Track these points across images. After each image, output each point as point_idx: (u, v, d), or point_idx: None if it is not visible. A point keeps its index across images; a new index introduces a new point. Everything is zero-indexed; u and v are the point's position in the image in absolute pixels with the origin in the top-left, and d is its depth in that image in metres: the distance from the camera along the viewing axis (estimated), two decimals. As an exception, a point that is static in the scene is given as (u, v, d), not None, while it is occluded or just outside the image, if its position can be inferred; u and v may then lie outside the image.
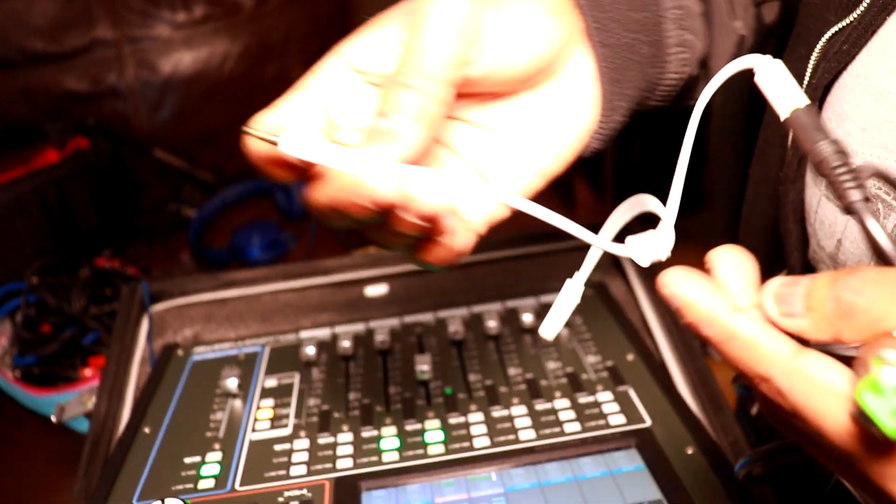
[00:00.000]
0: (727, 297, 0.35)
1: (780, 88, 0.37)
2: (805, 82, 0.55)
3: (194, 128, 1.69)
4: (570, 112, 0.48)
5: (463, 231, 0.43)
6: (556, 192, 1.72)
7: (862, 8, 0.49)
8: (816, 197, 0.55)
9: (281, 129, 0.39)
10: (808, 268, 0.63)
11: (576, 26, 0.48)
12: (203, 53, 1.67)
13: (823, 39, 0.53)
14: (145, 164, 1.62)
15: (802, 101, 0.36)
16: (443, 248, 0.43)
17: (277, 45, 1.74)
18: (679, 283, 0.35)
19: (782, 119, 0.37)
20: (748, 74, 0.39)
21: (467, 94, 0.45)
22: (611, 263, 0.85)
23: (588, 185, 2.43)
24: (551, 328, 0.48)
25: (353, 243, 1.39)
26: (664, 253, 0.43)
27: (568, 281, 0.49)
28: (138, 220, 1.60)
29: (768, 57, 0.38)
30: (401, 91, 0.39)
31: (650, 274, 0.79)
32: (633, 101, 0.52)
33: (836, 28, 0.52)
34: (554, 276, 0.84)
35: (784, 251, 0.63)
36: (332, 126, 0.42)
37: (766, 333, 0.33)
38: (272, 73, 1.74)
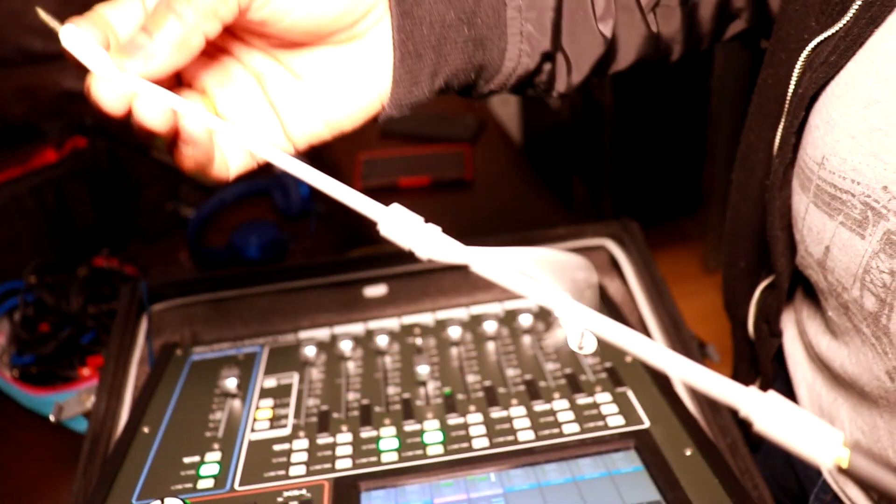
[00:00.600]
0: None
1: (799, 432, 0.29)
2: (790, 91, 0.55)
3: (193, 127, 1.69)
4: (365, 75, 0.50)
5: (202, 147, 0.46)
6: (553, 194, 1.72)
7: (848, 18, 0.49)
8: (804, 204, 0.55)
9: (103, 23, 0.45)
10: (795, 274, 0.63)
11: None
12: (202, 53, 1.67)
13: (808, 49, 0.53)
14: (143, 163, 1.62)
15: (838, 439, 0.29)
16: (189, 158, 0.46)
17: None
18: None
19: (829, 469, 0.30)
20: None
21: (267, 35, 0.47)
22: (608, 263, 0.85)
23: (585, 186, 2.44)
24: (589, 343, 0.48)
25: (352, 243, 1.39)
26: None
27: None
28: (136, 220, 1.60)
29: (761, 398, 0.30)
30: (164, 12, 0.42)
31: (648, 275, 0.79)
32: (444, 77, 0.52)
33: (820, 38, 0.52)
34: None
35: (771, 257, 0.63)
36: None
37: None
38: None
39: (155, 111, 0.43)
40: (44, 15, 0.44)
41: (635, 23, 0.60)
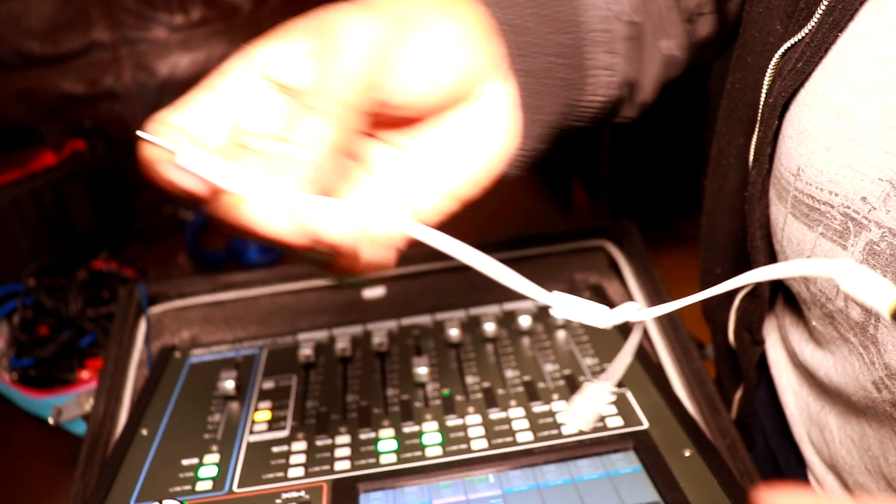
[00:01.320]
0: None
1: (868, 286, 0.34)
2: (762, 101, 0.55)
3: (192, 130, 1.69)
4: (485, 137, 0.47)
5: (374, 248, 0.42)
6: (552, 196, 1.72)
7: (813, 24, 0.49)
8: (782, 215, 0.54)
9: (182, 135, 0.38)
10: (776, 284, 0.62)
11: (495, 51, 0.47)
12: (200, 56, 1.67)
13: (777, 55, 0.53)
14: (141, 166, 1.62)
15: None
16: (353, 265, 0.41)
17: (275, 48, 1.74)
18: None
19: (887, 317, 0.34)
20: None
21: (381, 115, 0.44)
22: (607, 265, 0.85)
23: (584, 188, 2.44)
24: (583, 421, 0.49)
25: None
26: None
27: (590, 385, 0.49)
28: (135, 223, 1.60)
29: (846, 261, 0.35)
30: (306, 114, 0.38)
31: (647, 277, 0.79)
32: (553, 125, 0.51)
33: (788, 44, 0.51)
34: (552, 279, 0.84)
35: (752, 267, 0.63)
36: (240, 131, 0.40)
37: None
38: (269, 76, 1.74)
39: (341, 223, 0.37)
40: (148, 136, 0.38)
41: (683, 29, 0.61)
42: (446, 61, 0.44)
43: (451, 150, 0.47)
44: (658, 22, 0.58)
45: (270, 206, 0.36)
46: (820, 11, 0.48)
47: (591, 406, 0.48)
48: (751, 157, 0.57)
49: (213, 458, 0.63)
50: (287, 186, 0.36)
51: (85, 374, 1.14)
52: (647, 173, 2.42)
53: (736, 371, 0.73)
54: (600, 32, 0.53)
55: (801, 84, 0.51)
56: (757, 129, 0.56)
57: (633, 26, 0.55)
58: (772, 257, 0.60)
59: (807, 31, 0.49)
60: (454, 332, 0.74)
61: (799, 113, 0.51)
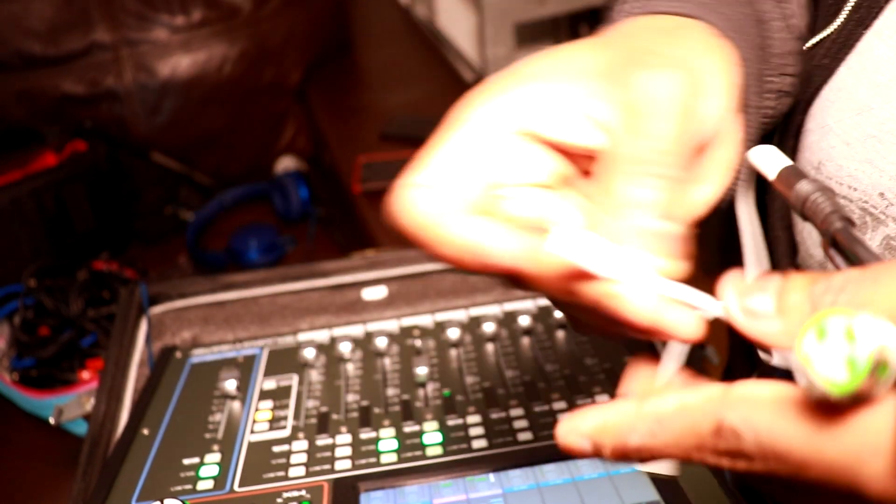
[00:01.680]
0: None
1: (768, 159, 0.35)
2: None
3: (192, 131, 1.70)
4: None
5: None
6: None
7: (840, 20, 0.49)
8: None
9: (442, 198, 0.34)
10: (791, 263, 0.63)
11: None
12: (201, 57, 1.68)
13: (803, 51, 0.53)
14: (143, 167, 1.62)
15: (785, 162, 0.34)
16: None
17: (275, 49, 1.74)
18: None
19: (771, 180, 0.34)
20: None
21: None
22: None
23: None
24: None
25: (351, 246, 1.39)
26: None
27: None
28: (136, 223, 1.61)
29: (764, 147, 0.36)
30: (641, 181, 0.33)
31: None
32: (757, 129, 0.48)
33: (815, 39, 0.52)
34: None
35: (773, 258, 0.63)
36: (496, 186, 0.37)
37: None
38: (270, 77, 1.75)
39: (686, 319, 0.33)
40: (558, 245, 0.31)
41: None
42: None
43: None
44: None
45: (642, 292, 0.32)
46: (848, 9, 0.48)
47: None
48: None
49: (214, 457, 0.63)
50: (663, 267, 0.33)
51: (85, 375, 1.14)
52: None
53: (749, 358, 0.74)
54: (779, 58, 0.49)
55: (825, 80, 0.51)
56: (781, 122, 0.56)
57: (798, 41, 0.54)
58: (792, 248, 0.60)
59: (834, 27, 0.49)
60: (454, 333, 0.74)
61: (822, 108, 0.51)
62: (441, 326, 0.77)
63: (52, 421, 0.89)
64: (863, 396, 0.24)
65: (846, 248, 0.30)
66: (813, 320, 0.25)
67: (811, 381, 0.24)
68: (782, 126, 0.56)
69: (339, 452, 0.62)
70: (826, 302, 0.27)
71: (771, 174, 0.35)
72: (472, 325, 0.77)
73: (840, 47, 0.49)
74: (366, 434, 0.64)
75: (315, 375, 0.72)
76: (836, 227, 0.31)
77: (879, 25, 0.47)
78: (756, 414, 0.27)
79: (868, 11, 0.47)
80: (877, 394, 0.24)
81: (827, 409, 0.26)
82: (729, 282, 0.30)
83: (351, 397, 0.69)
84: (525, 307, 0.78)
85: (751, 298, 0.29)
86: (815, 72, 0.51)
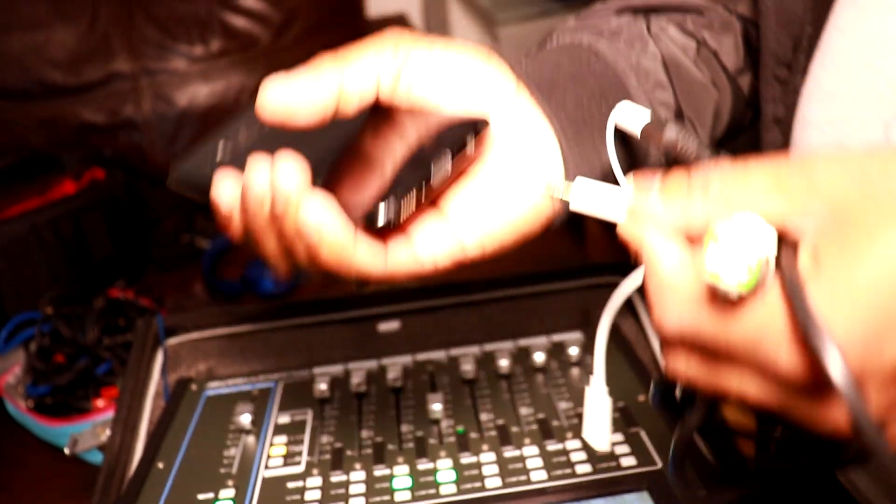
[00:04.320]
0: None
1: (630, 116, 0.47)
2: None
3: (209, 160, 1.71)
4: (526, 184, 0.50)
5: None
6: (566, 229, 1.72)
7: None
8: None
9: None
10: None
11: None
12: (219, 87, 1.69)
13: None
14: (160, 195, 1.63)
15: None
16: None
17: (293, 79, 1.76)
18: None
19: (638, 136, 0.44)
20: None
21: None
22: (623, 303, 0.85)
23: (598, 221, 2.44)
24: (599, 438, 0.49)
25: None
26: None
27: (587, 389, 0.50)
28: (152, 251, 1.61)
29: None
30: None
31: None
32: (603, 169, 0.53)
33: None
34: (566, 315, 0.84)
35: None
36: None
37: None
38: (287, 107, 1.76)
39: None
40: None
41: (728, 86, 0.64)
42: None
43: (493, 195, 0.49)
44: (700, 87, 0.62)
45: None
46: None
47: (600, 416, 0.49)
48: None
49: (228, 492, 0.63)
50: None
51: (100, 403, 1.14)
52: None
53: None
54: (635, 77, 0.57)
55: (803, 80, 0.55)
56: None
57: (665, 69, 0.59)
58: None
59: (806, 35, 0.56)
60: (468, 368, 0.74)
61: (801, 105, 0.55)
62: (455, 362, 0.77)
63: (67, 451, 0.89)
64: (756, 288, 0.31)
65: None
66: (709, 233, 0.31)
67: (717, 283, 0.31)
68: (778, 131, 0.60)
69: (353, 490, 0.62)
70: (701, 183, 0.34)
71: (636, 130, 0.44)
72: (486, 360, 0.77)
73: (810, 48, 0.55)
74: (380, 471, 0.64)
75: (329, 410, 0.72)
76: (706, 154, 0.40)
77: (841, 23, 0.51)
78: (680, 308, 0.34)
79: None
80: (763, 282, 0.31)
81: (730, 301, 0.32)
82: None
83: (365, 433, 0.69)
84: (539, 342, 0.78)
85: (642, 182, 0.36)
86: (791, 77, 0.57)
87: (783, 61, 0.58)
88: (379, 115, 0.49)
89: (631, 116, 0.44)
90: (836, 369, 0.29)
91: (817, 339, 0.29)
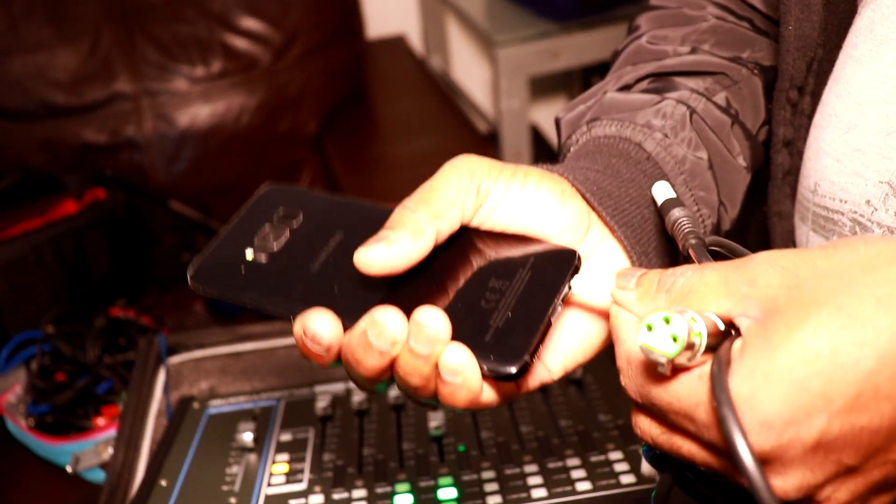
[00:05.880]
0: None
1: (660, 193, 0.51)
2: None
3: (209, 179, 1.72)
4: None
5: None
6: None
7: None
8: (805, 234, 0.58)
9: None
10: None
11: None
12: (220, 107, 1.70)
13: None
14: (160, 214, 1.64)
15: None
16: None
17: (292, 100, 1.77)
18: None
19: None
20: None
21: None
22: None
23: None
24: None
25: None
26: None
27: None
28: (153, 270, 1.62)
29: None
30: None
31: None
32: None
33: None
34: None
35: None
36: None
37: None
38: (286, 127, 1.77)
39: None
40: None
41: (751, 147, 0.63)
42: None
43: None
44: (729, 141, 0.61)
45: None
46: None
47: None
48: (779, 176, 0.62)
49: (231, 510, 0.64)
50: None
51: (101, 421, 1.15)
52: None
53: None
54: (681, 175, 0.56)
55: (814, 109, 0.56)
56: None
57: (706, 152, 0.58)
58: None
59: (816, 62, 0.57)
60: (469, 387, 0.75)
61: (816, 134, 0.55)
62: (456, 380, 0.78)
63: (69, 469, 0.90)
64: (683, 364, 0.35)
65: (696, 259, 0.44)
66: (645, 319, 0.35)
67: (648, 353, 0.35)
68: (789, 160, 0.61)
69: (354, 507, 0.63)
70: (667, 283, 0.39)
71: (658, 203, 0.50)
72: (487, 379, 0.77)
73: (826, 74, 0.55)
74: (381, 488, 0.65)
75: (331, 428, 0.73)
76: (690, 243, 0.45)
77: (860, 53, 0.51)
78: (635, 376, 0.39)
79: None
80: (692, 362, 0.35)
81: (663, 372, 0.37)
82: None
83: (367, 451, 0.69)
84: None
85: (621, 276, 0.42)
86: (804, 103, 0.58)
87: (796, 84, 0.59)
88: (464, 234, 0.46)
89: (660, 193, 0.50)
90: (739, 447, 0.32)
91: (726, 418, 0.33)
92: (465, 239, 0.45)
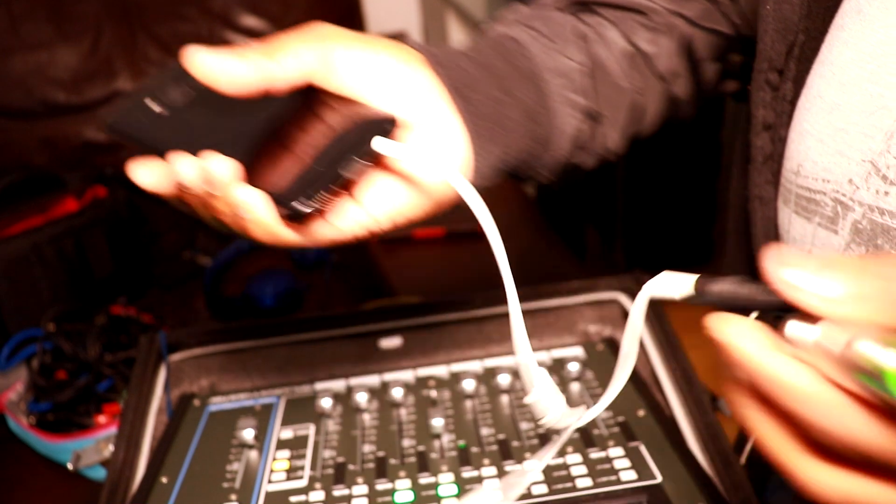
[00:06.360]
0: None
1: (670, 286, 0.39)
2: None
3: (210, 177, 1.72)
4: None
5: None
6: (566, 244, 1.73)
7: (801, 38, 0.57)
8: (787, 216, 0.59)
9: None
10: None
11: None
12: (220, 105, 1.71)
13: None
14: (161, 212, 1.64)
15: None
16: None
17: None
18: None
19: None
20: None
21: None
22: (620, 317, 0.86)
23: (599, 236, 2.45)
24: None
25: (367, 292, 1.40)
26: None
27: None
28: (154, 268, 1.62)
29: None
30: None
31: (660, 328, 0.80)
32: (509, 161, 0.58)
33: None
34: (566, 331, 0.85)
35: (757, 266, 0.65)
36: None
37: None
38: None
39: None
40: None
41: (658, 89, 0.67)
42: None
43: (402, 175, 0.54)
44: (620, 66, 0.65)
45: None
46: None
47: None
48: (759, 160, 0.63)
49: (231, 507, 0.64)
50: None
51: (102, 419, 1.15)
52: (661, 222, 2.43)
53: None
54: (558, 79, 0.61)
55: (798, 92, 0.57)
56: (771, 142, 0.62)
57: (591, 61, 0.63)
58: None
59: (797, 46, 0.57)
60: (469, 384, 0.75)
61: (799, 116, 0.56)
62: (456, 377, 0.78)
63: (70, 466, 0.90)
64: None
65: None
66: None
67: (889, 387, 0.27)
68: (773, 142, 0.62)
69: None
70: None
71: (681, 293, 0.39)
72: (487, 376, 0.78)
73: (809, 61, 0.56)
74: (382, 485, 0.65)
75: (331, 425, 0.73)
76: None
77: (847, 35, 0.52)
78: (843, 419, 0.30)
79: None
80: None
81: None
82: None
83: (367, 448, 0.69)
84: (539, 358, 0.79)
85: (821, 281, 0.31)
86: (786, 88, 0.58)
87: (776, 66, 0.59)
88: (313, 94, 0.52)
89: (670, 286, 0.40)
90: None
91: None
92: (306, 97, 0.52)
